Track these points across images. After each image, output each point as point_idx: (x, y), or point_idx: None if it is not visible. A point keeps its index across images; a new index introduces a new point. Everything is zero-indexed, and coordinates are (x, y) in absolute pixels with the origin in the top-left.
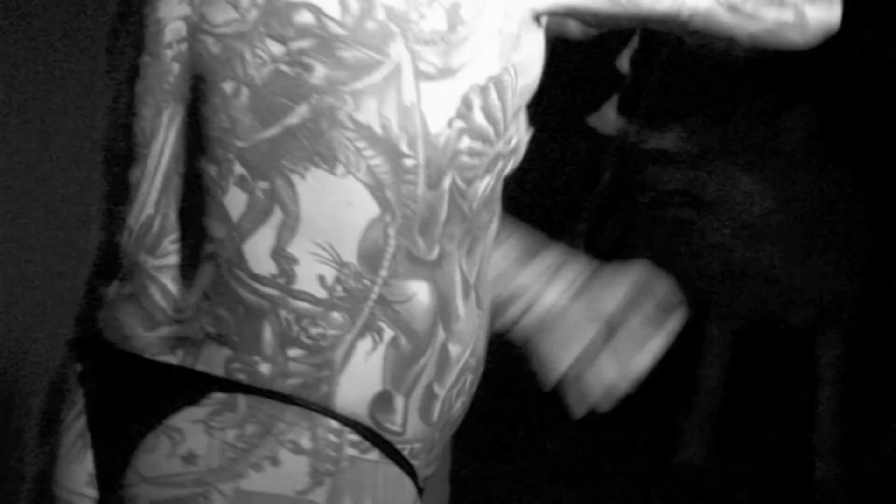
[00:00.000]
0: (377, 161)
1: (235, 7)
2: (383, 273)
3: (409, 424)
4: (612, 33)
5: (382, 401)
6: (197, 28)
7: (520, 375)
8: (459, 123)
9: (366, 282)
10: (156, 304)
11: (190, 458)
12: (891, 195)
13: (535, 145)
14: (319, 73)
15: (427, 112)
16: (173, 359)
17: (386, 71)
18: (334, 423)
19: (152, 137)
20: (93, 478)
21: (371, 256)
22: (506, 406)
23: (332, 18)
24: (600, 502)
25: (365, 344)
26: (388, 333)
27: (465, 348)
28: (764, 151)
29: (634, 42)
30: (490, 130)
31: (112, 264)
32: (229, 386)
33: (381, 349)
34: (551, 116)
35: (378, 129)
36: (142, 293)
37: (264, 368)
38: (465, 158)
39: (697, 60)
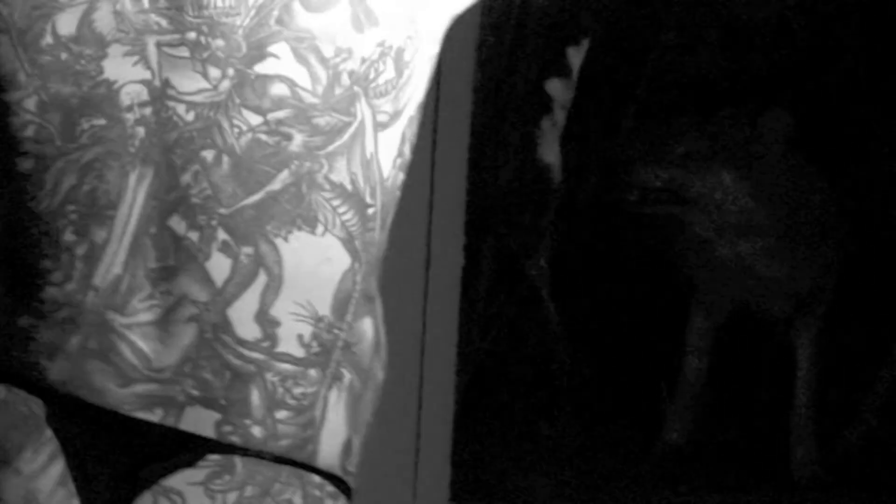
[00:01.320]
0: (349, 216)
1: (205, 76)
2: (348, 318)
3: (357, 461)
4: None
5: (348, 447)
6: (163, 94)
7: (515, 365)
8: (399, 160)
9: (335, 331)
10: (127, 362)
11: None
12: (861, 193)
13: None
14: (298, 140)
15: (382, 159)
16: (153, 417)
17: (352, 130)
18: (317, 479)
19: (119, 199)
20: None
21: (341, 305)
22: (502, 393)
23: (304, 89)
24: (591, 481)
25: (333, 394)
26: (347, 378)
27: (384, 369)
28: (744, 152)
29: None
30: (411, 159)
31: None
32: (227, 449)
33: (344, 396)
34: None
35: (349, 186)
36: (110, 350)
37: (256, 431)
38: (399, 193)
39: (681, 68)
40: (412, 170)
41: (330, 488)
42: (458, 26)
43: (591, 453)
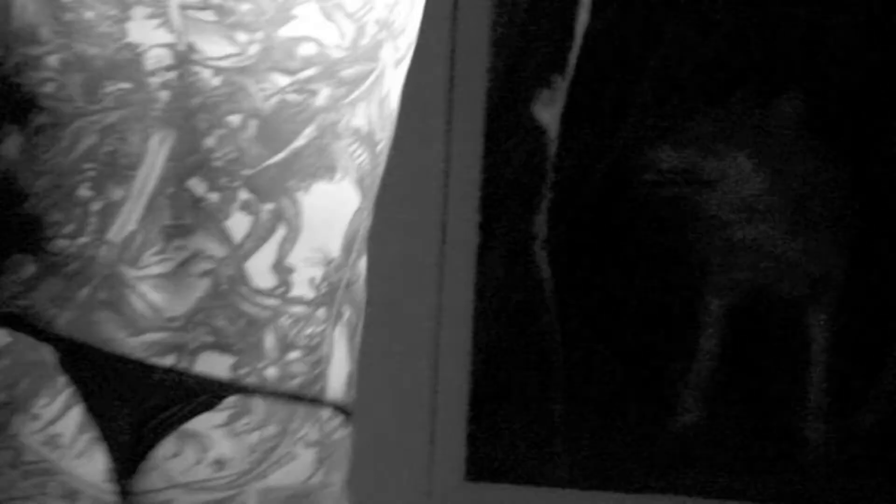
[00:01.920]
0: (363, 157)
1: (232, 41)
2: (353, 257)
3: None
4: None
5: (350, 379)
6: (187, 58)
7: (530, 345)
8: (399, 88)
9: (342, 271)
10: (137, 312)
11: (220, 464)
12: (875, 175)
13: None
14: (323, 94)
15: (393, 95)
16: (165, 363)
17: (375, 75)
18: (326, 413)
19: (139, 161)
20: (110, 473)
21: (349, 245)
22: (518, 373)
23: (331, 45)
24: (605, 461)
25: (337, 332)
26: (346, 314)
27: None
28: (757, 134)
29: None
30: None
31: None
32: (243, 391)
33: (345, 332)
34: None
35: (365, 128)
36: (120, 301)
37: (271, 372)
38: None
39: (694, 49)
40: (427, 153)
41: (337, 420)
42: (472, 5)
43: (606, 433)
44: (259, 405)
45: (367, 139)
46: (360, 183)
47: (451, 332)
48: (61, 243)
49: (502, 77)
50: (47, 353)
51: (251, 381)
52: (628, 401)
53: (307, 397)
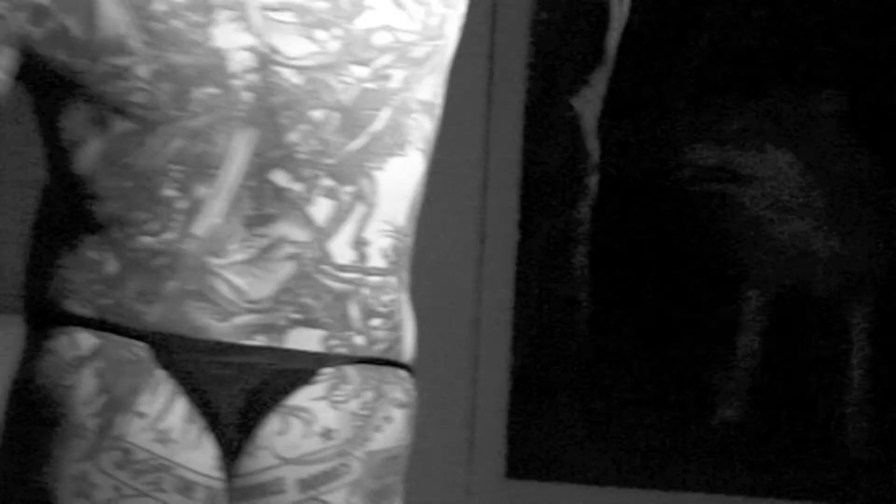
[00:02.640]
0: (428, 126)
1: (312, 40)
2: (412, 223)
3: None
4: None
5: (413, 339)
6: (269, 60)
7: (570, 341)
8: (452, 49)
9: (405, 238)
10: (224, 297)
11: (327, 434)
12: None
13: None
14: (397, 77)
15: (448, 55)
16: (256, 343)
17: (440, 48)
18: (403, 373)
19: (224, 160)
20: (218, 461)
21: (411, 212)
22: (558, 370)
23: (403, 30)
24: (643, 457)
25: (403, 296)
26: (405, 277)
27: None
28: (797, 130)
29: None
30: None
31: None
32: (335, 361)
33: (406, 295)
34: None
35: (429, 99)
36: (207, 289)
37: (359, 340)
38: None
39: (732, 45)
40: (466, 149)
41: (412, 380)
42: (511, 3)
43: (646, 430)
44: (353, 373)
45: (430, 108)
46: (425, 151)
47: (491, 329)
48: (146, 240)
49: (541, 73)
50: (140, 350)
51: (342, 350)
52: (668, 397)
53: (390, 361)
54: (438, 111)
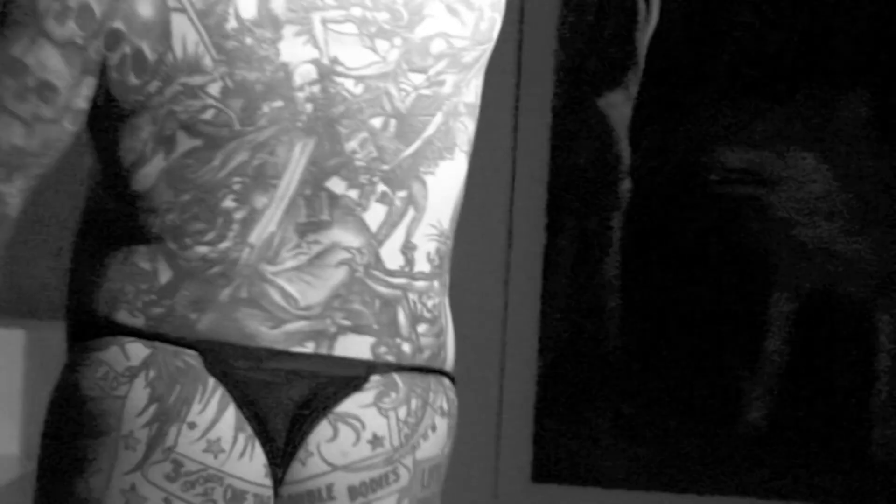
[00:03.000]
0: (472, 128)
1: (374, 50)
2: (454, 224)
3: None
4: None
5: (453, 346)
6: (331, 71)
7: (596, 345)
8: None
9: (448, 241)
10: (276, 304)
11: (376, 442)
12: None
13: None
14: (450, 82)
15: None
16: (305, 350)
17: (488, 51)
18: (447, 381)
19: (284, 169)
20: (267, 468)
21: (454, 214)
22: (584, 372)
23: (456, 37)
24: (669, 461)
25: (446, 300)
26: (446, 280)
27: None
28: (823, 133)
29: (649, 25)
30: None
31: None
32: (387, 368)
33: (447, 300)
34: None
35: (473, 101)
36: (260, 296)
37: (406, 348)
38: None
39: (761, 48)
40: (493, 151)
41: (453, 388)
42: (539, 4)
43: (672, 435)
44: (401, 381)
45: (473, 110)
46: (468, 152)
47: (518, 332)
48: (202, 250)
49: (569, 75)
50: (191, 358)
51: (389, 358)
52: (695, 402)
53: (435, 368)
54: (477, 108)
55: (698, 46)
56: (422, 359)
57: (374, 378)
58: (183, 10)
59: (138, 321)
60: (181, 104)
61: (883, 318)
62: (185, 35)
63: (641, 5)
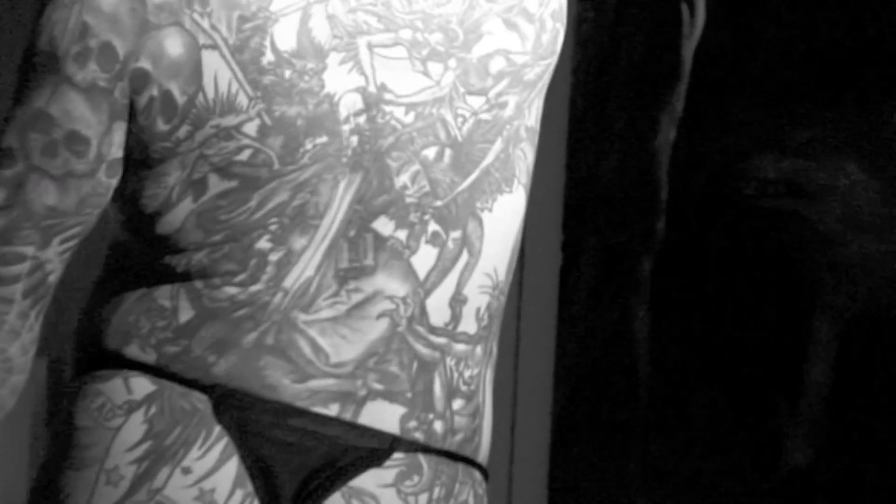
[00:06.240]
0: (532, 157)
1: (426, 74)
2: (510, 278)
3: None
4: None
5: (490, 432)
6: (379, 99)
7: (617, 377)
8: None
9: (502, 298)
10: (304, 357)
11: None
12: None
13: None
14: (512, 103)
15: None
16: (328, 412)
17: (551, 66)
18: (478, 475)
19: (326, 209)
20: None
21: (512, 261)
22: (606, 410)
23: (516, 52)
24: (692, 497)
25: (489, 374)
26: (494, 352)
27: None
28: (868, 142)
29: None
30: None
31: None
32: (414, 446)
33: (491, 374)
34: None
35: (534, 124)
36: (288, 346)
37: (438, 426)
38: None
39: (800, 52)
40: None
41: (484, 485)
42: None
43: (702, 475)
44: (426, 464)
45: (534, 136)
46: (527, 185)
47: (532, 364)
48: (230, 290)
49: (589, 78)
50: (199, 402)
51: (418, 435)
52: (731, 441)
53: (466, 456)
54: (537, 140)
55: (733, 49)
56: (453, 442)
57: (398, 455)
58: (215, 47)
59: (149, 357)
60: (213, 147)
61: None
62: (217, 73)
63: (686, 15)
